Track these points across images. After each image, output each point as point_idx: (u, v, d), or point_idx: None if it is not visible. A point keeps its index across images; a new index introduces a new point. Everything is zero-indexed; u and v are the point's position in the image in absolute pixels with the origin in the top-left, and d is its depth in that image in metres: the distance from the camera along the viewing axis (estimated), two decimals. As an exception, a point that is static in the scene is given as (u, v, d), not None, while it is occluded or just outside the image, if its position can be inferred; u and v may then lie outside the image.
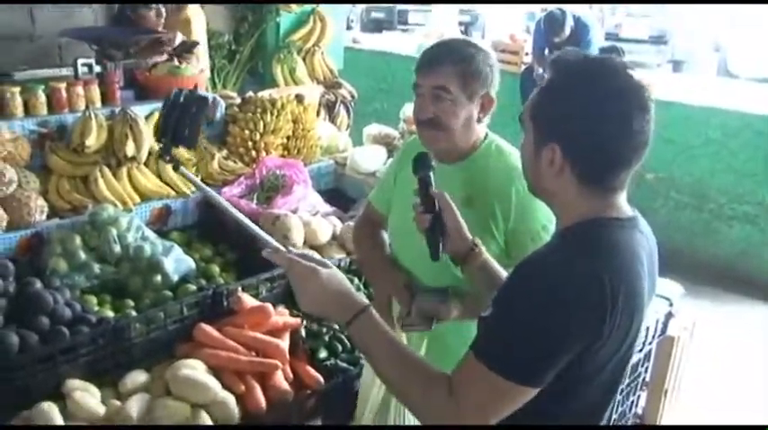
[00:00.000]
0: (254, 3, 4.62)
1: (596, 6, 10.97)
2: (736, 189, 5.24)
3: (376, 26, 13.49)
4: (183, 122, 1.82)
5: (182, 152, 3.00)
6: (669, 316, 3.13)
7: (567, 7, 6.28)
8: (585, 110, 1.20)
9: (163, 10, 3.72)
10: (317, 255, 1.47)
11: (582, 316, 1.15)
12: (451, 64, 1.71)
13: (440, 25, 11.36)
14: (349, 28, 9.80)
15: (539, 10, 8.22)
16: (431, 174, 1.65)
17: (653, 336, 3.06)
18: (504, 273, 1.58)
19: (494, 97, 1.77)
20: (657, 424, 3.32)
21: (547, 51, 6.19)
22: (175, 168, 1.87)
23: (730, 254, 5.28)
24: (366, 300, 1.31)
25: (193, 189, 3.11)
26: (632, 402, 3.16)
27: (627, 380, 2.99)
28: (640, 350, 3.01)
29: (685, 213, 5.48)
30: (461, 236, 1.59)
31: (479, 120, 1.77)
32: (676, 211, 5.51)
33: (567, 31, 6.16)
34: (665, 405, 3.32)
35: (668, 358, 3.22)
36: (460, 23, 13.42)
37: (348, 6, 10.04)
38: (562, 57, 1.29)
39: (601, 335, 1.17)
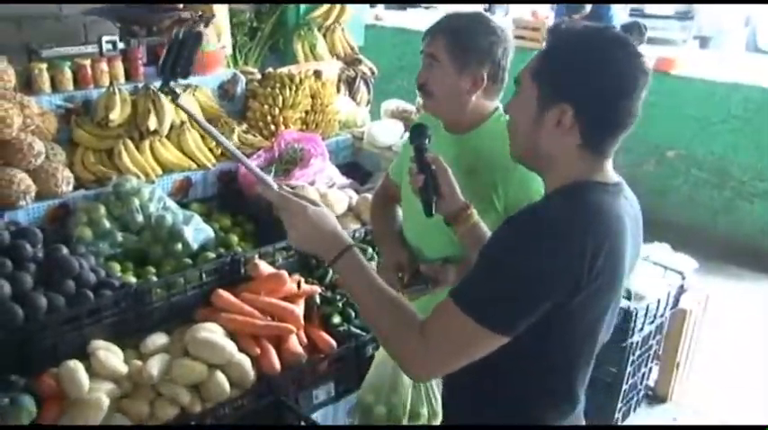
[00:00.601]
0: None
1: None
2: (758, 166, 5.17)
3: (400, 4, 13.40)
4: (180, 55, 1.89)
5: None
6: (681, 289, 3.16)
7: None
8: (600, 71, 1.24)
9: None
10: (310, 193, 1.51)
11: (560, 272, 1.20)
12: (444, 35, 1.76)
13: (464, 3, 11.26)
14: (373, 5, 9.76)
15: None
16: (426, 142, 1.72)
17: (665, 309, 3.09)
18: None
19: (485, 76, 1.76)
20: (668, 395, 3.36)
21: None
22: (173, 100, 1.94)
23: (751, 231, 5.23)
24: (351, 241, 1.37)
25: (214, 161, 3.20)
26: (644, 374, 3.20)
27: (638, 352, 3.03)
28: (652, 322, 3.04)
29: (706, 190, 5.42)
30: (454, 197, 1.66)
31: (469, 94, 1.79)
32: (697, 189, 5.46)
33: (588, 7, 6.12)
34: (677, 378, 3.35)
35: (680, 331, 3.24)
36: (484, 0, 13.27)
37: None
38: (560, 24, 1.34)
39: (578, 291, 1.21)
